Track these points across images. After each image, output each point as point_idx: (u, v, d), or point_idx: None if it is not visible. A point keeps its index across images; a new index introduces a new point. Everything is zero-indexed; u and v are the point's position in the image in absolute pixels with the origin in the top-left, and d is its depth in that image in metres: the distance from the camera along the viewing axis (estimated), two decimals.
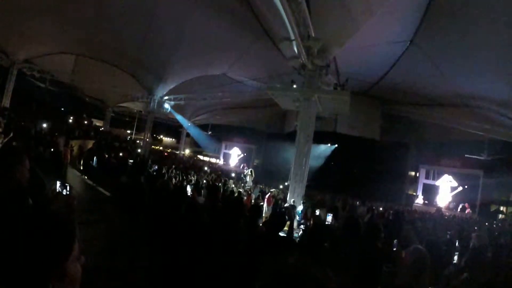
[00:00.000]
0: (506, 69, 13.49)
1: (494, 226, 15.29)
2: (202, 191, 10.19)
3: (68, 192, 2.15)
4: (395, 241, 4.73)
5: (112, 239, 4.47)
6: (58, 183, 2.15)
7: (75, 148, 13.31)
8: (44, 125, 19.76)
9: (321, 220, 9.28)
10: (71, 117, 27.58)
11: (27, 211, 1.04)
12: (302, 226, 8.84)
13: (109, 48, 19.21)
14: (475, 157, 21.68)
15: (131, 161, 12.78)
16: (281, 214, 4.10)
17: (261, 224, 4.19)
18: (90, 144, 17.27)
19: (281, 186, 18.72)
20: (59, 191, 2.13)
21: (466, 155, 22.87)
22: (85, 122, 30.54)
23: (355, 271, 2.98)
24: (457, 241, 5.95)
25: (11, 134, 7.74)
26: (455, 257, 5.16)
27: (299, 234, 7.32)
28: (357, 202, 16.18)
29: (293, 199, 11.27)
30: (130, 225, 4.24)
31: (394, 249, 4.57)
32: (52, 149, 12.36)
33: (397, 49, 15.34)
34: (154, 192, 4.84)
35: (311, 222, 9.22)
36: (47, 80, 23.15)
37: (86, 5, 14.82)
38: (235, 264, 2.99)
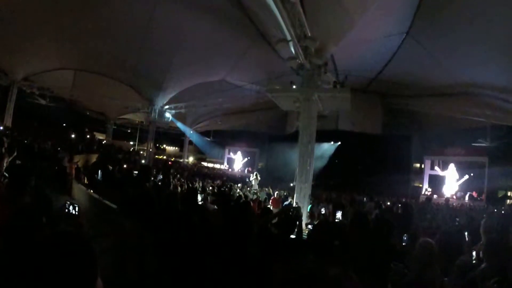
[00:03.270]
0: (505, 55, 13.40)
1: (503, 212, 15.20)
2: (208, 197, 10.19)
3: (76, 213, 2.14)
4: (405, 236, 4.68)
5: (121, 251, 4.46)
6: (67, 203, 2.13)
7: (79, 163, 13.32)
8: (47, 142, 19.83)
9: (326, 217, 9.28)
10: (73, 132, 27.65)
11: (45, 232, 1.05)
12: (310, 226, 8.83)
13: (107, 61, 19.28)
14: (479, 144, 21.57)
15: (136, 172, 12.82)
16: (291, 216, 4.05)
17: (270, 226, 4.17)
18: (94, 158, 17.31)
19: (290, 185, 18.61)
20: (68, 212, 2.12)
21: (470, 143, 22.77)
22: (88, 136, 30.62)
23: (363, 268, 2.95)
24: (466, 230, 5.88)
25: (15, 153, 7.75)
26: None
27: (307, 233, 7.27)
28: (364, 198, 16.16)
29: (296, 201, 11.21)
30: (139, 235, 4.23)
31: (404, 244, 4.53)
32: (56, 166, 12.38)
33: (393, 42, 15.30)
34: (163, 201, 4.82)
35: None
36: (47, 97, 23.28)
37: (82, 19, 14.86)
38: (249, 269, 2.96)
